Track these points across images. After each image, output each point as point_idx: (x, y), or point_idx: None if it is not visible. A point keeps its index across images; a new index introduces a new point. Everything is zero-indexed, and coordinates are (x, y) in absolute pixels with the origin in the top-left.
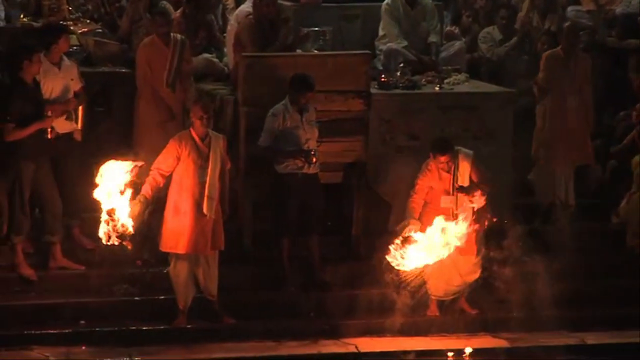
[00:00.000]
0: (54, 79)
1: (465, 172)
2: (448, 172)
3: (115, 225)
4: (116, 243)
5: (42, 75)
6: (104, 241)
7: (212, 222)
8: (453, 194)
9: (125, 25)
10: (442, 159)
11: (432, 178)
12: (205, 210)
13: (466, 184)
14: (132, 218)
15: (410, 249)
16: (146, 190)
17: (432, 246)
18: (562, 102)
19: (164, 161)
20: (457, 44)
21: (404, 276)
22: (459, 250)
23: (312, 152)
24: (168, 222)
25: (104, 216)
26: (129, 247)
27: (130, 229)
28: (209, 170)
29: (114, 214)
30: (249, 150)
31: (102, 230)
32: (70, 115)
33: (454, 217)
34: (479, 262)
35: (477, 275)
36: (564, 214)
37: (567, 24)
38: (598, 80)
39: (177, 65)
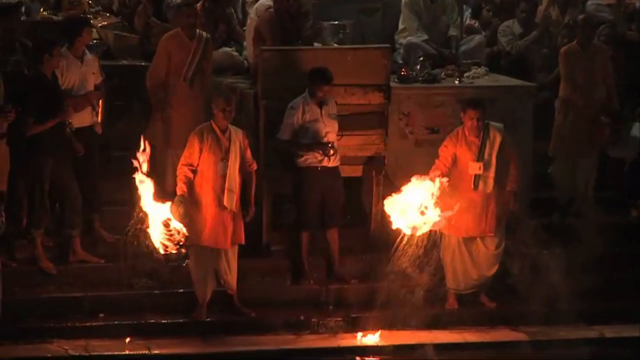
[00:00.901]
0: (77, 72)
1: (495, 141)
2: (477, 137)
3: (172, 234)
4: (174, 251)
5: (65, 68)
6: (162, 251)
7: (232, 215)
8: (480, 161)
9: (139, 23)
10: (473, 113)
11: (459, 144)
12: (225, 202)
13: (494, 155)
14: (180, 220)
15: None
16: (182, 189)
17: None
18: (583, 96)
19: (190, 156)
20: (477, 38)
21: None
22: (479, 231)
23: (330, 145)
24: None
25: (157, 228)
26: (184, 251)
27: (186, 232)
28: (230, 163)
29: (170, 223)
30: (269, 144)
31: (158, 242)
32: (94, 108)
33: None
34: (499, 254)
35: (495, 268)
36: (585, 206)
37: (581, 16)
38: (617, 73)
39: (199, 62)
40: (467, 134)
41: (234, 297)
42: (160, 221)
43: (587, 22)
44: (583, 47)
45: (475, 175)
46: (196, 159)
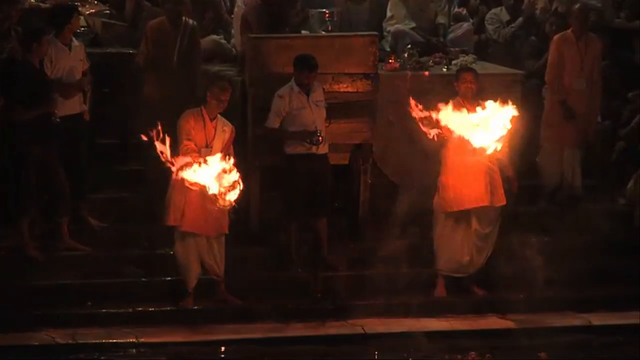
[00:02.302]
0: (66, 60)
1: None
2: (473, 104)
3: (230, 186)
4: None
5: (54, 56)
6: (223, 203)
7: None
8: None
9: (129, 8)
10: (466, 75)
11: (458, 106)
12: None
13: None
14: None
15: None
16: (196, 157)
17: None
18: (567, 83)
19: (189, 132)
20: (465, 26)
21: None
22: (483, 200)
23: (317, 133)
24: (173, 196)
25: (213, 183)
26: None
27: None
28: (213, 151)
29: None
30: (257, 132)
31: (220, 196)
32: (85, 94)
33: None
34: (492, 234)
35: (488, 251)
36: (571, 195)
37: (577, 5)
38: (605, 61)
39: (186, 49)
40: (462, 102)
41: (221, 285)
42: (217, 170)
43: (582, 11)
44: (577, 36)
45: None
46: (192, 135)
